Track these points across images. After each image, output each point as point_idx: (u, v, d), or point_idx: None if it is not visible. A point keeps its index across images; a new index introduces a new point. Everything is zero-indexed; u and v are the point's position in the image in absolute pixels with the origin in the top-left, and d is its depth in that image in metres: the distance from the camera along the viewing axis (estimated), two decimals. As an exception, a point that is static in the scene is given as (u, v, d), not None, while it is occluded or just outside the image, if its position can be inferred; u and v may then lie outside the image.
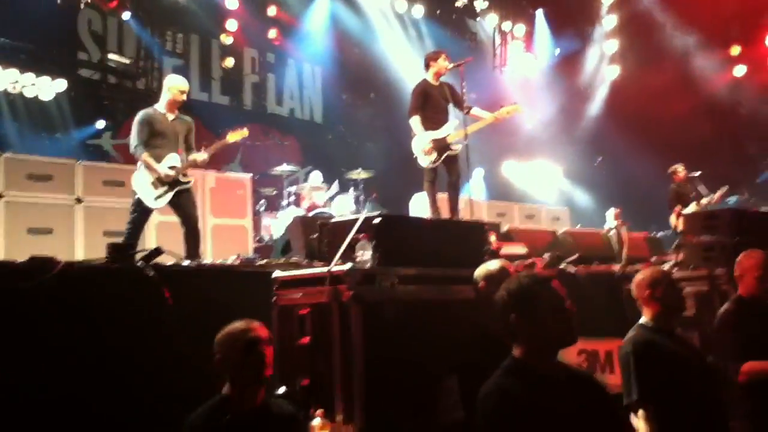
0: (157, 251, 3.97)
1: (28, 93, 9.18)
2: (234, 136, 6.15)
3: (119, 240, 5.47)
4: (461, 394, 3.31)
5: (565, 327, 2.40)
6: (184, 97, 5.99)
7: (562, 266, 5.37)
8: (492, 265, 3.50)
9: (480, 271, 3.50)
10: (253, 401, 2.77)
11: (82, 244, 6.54)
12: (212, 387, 2.98)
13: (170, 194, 5.74)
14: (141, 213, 5.72)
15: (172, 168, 5.74)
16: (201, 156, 5.89)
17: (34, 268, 3.35)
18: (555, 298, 2.41)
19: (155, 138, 5.79)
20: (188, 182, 5.84)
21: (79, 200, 6.69)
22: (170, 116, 5.92)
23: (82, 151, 9.49)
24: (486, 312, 3.28)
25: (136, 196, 5.71)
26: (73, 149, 9.33)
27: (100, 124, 9.96)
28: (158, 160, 5.73)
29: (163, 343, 3.38)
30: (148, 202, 5.69)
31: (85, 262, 4.28)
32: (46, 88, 9.30)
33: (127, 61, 10.52)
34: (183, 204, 5.81)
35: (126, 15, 10.39)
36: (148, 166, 5.68)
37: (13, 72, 8.97)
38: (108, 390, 3.36)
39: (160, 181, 5.69)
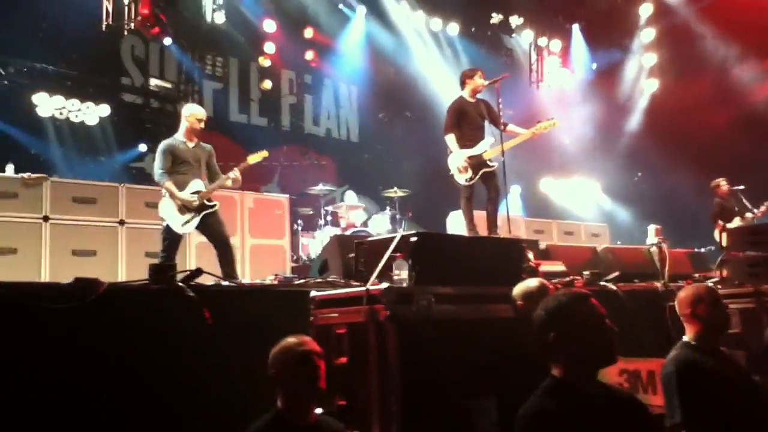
0: (197, 272, 4.03)
1: (74, 118, 9.47)
2: (254, 158, 6.26)
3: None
4: (500, 414, 3.28)
5: (604, 345, 2.36)
6: (202, 125, 6.12)
7: (602, 284, 5.28)
8: (531, 283, 3.47)
9: (519, 289, 3.47)
10: (307, 416, 2.83)
11: (124, 266, 6.69)
12: (254, 405, 3.00)
13: (197, 219, 5.87)
14: (172, 239, 5.87)
15: (196, 193, 5.89)
16: (232, 176, 6.02)
17: (79, 289, 3.43)
18: (594, 315, 2.37)
19: (179, 165, 5.95)
20: (213, 206, 5.97)
21: (122, 222, 6.85)
22: (190, 144, 6.08)
23: (125, 174, 9.74)
24: (525, 331, 3.25)
25: (165, 223, 5.87)
26: (116, 172, 9.58)
27: (143, 147, 10.22)
28: (183, 186, 5.89)
29: (204, 362, 3.41)
30: (176, 228, 5.83)
31: (128, 283, 4.36)
32: (91, 113, 9.59)
33: (169, 86, 10.80)
34: (211, 226, 5.94)
35: (167, 40, 10.67)
36: (172, 194, 5.82)
37: (59, 99, 9.28)
38: (151, 410, 3.41)
39: (185, 208, 5.84)
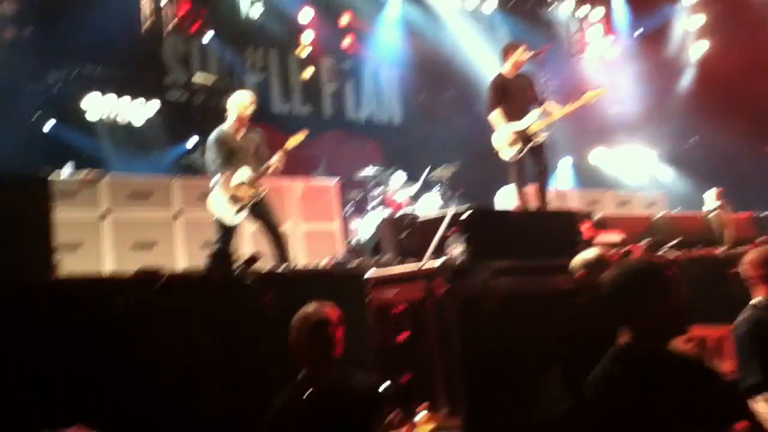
0: (254, 259, 4.09)
1: (124, 118, 9.70)
2: (294, 141, 6.13)
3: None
4: (565, 385, 3.25)
5: (679, 316, 2.30)
6: (253, 108, 6.11)
7: (661, 252, 5.17)
8: (589, 254, 3.41)
9: (577, 260, 3.41)
10: (326, 379, 2.83)
11: (183, 256, 6.82)
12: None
13: (247, 209, 5.83)
14: (226, 230, 5.86)
15: (242, 184, 5.83)
16: (273, 162, 5.91)
17: (142, 279, 3.52)
18: (673, 285, 2.30)
19: (230, 156, 5.91)
20: (262, 192, 5.93)
21: (177, 215, 6.99)
22: (240, 134, 6.04)
23: (176, 170, 9.91)
24: (586, 301, 3.21)
25: (216, 217, 5.87)
26: (167, 169, 9.76)
27: (191, 143, 10.39)
28: (231, 177, 5.85)
29: (264, 346, 3.48)
30: (228, 220, 5.82)
31: (188, 272, 4.46)
32: (140, 112, 9.80)
33: (211, 80, 10.92)
34: (261, 213, 5.92)
35: (207, 37, 10.81)
36: (224, 185, 5.80)
37: (111, 98, 9.52)
38: (215, 393, 3.48)
39: (234, 198, 5.81)
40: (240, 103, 6.08)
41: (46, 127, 9.13)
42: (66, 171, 7.13)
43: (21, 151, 7.48)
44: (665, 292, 2.28)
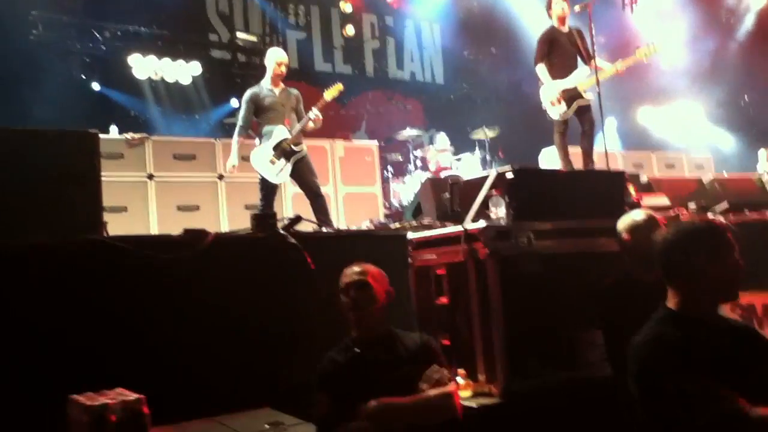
0: (297, 219, 4.12)
1: (168, 78, 9.76)
2: (330, 93, 6.20)
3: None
4: (606, 349, 3.22)
5: (730, 280, 2.25)
6: (284, 69, 6.17)
7: (710, 216, 5.03)
8: (638, 216, 3.32)
9: (624, 222, 3.33)
10: (373, 334, 2.86)
11: (226, 218, 6.93)
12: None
13: (289, 166, 5.93)
14: (269, 189, 6.01)
15: (281, 142, 5.91)
16: (312, 116, 5.95)
17: (189, 239, 3.59)
18: (728, 248, 2.24)
19: (265, 112, 6.03)
20: (301, 150, 6.00)
21: (221, 177, 7.08)
22: (276, 90, 6.13)
23: (220, 130, 9.99)
24: (632, 264, 3.14)
25: (261, 176, 5.99)
26: (211, 129, 9.86)
27: (235, 102, 10.42)
28: (269, 135, 5.96)
29: (308, 306, 3.52)
30: (271, 178, 5.95)
31: (233, 232, 4.52)
32: (184, 71, 9.85)
33: (254, 38, 10.90)
34: (301, 175, 6.02)
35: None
36: (258, 136, 5.98)
37: (153, 59, 9.58)
38: (258, 351, 3.55)
39: (276, 156, 5.91)
40: (272, 60, 6.17)
41: (93, 87, 9.26)
42: (111, 132, 7.26)
43: (67, 111, 7.62)
44: (723, 254, 2.23)
